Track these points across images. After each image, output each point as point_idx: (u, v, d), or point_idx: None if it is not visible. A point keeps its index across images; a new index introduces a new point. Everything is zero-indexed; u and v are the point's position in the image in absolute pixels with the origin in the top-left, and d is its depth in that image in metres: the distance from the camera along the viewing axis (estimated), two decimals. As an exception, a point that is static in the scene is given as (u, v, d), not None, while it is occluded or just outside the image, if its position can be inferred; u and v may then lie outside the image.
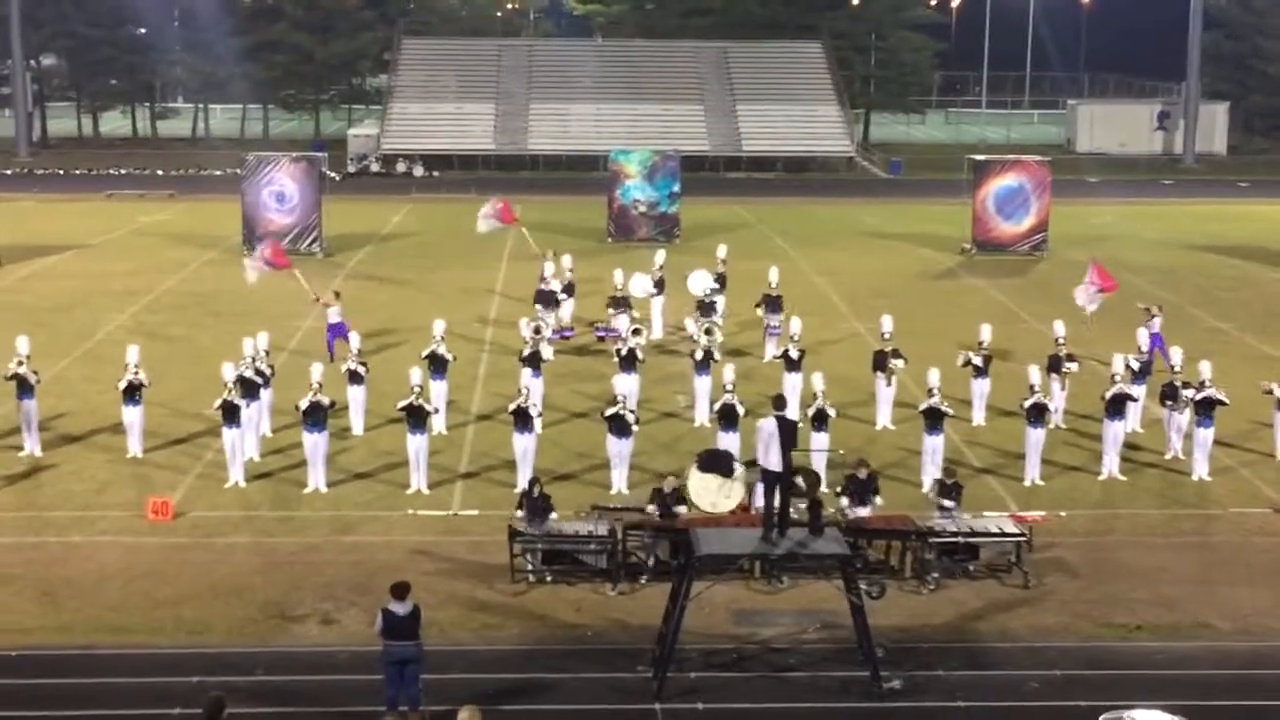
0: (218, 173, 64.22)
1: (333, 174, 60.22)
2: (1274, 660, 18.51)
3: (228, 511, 23.32)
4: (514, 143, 72.04)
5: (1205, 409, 25.25)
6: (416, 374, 25.00)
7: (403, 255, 46.70)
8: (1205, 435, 25.35)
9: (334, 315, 32.48)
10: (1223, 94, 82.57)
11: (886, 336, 28.35)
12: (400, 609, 16.57)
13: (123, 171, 67.15)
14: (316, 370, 24.97)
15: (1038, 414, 24.89)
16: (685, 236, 48.55)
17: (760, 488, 19.02)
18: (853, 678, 17.56)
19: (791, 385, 27.64)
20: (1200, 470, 25.34)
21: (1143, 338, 28.98)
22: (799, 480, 19.95)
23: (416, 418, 24.10)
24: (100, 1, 76.77)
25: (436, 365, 27.41)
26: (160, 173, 66.86)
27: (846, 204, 60.21)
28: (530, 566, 20.58)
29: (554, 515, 21.16)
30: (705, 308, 32.86)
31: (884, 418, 28.03)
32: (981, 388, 28.23)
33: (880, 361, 28.03)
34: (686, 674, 17.60)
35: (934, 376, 24.72)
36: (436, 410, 25.72)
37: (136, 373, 25.74)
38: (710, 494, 22.69)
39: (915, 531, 20.83)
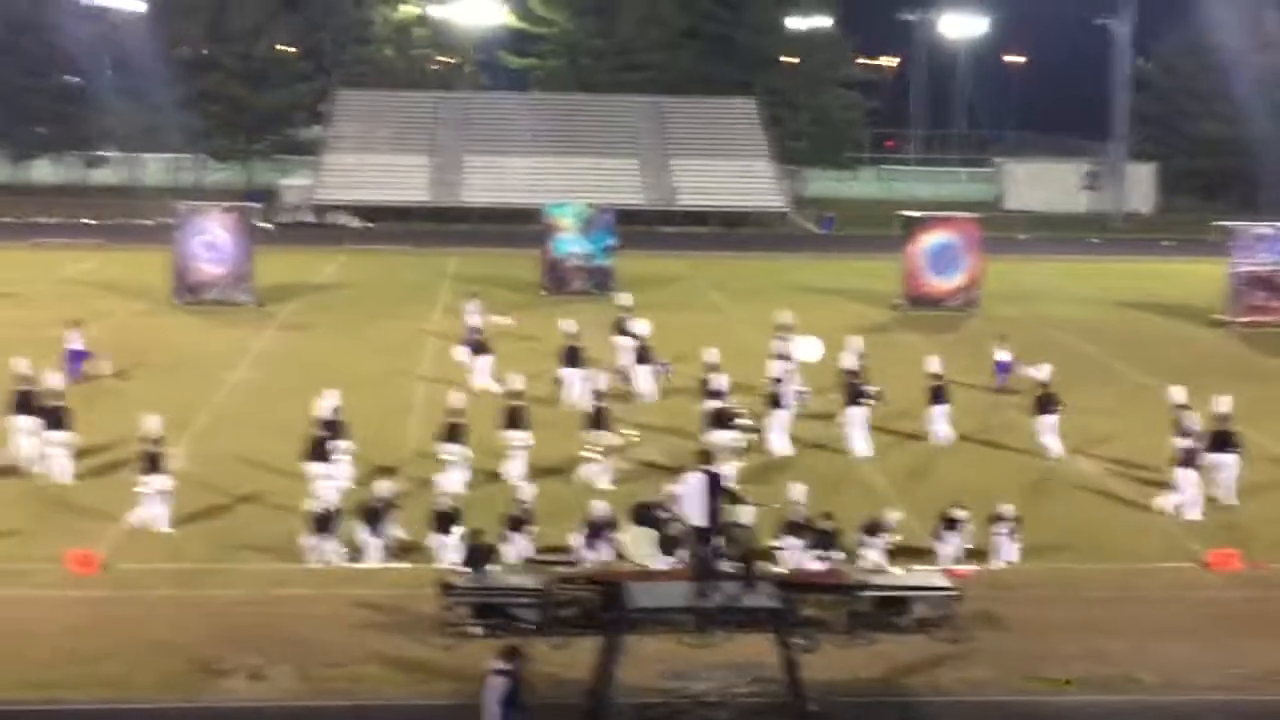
0: (148, 222, 63.60)
1: (266, 224, 59.91)
2: (1200, 714, 18.67)
3: (154, 564, 22.97)
4: (449, 195, 72.08)
5: (1045, 406, 29.72)
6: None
7: (336, 306, 46.48)
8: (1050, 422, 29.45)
9: (75, 342, 34.11)
10: (1149, 154, 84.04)
11: (854, 369, 29.30)
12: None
13: (51, 220, 66.39)
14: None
15: None
16: (619, 290, 48.56)
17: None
18: (785, 732, 17.54)
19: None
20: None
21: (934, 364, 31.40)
22: (729, 534, 19.94)
23: None
24: (32, 50, 76.20)
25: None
26: (90, 222, 66.25)
27: (780, 259, 60.61)
28: (462, 620, 20.44)
29: (494, 567, 21.13)
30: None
31: (861, 447, 28.89)
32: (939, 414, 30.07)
33: (854, 395, 29.25)
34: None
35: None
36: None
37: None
38: (644, 547, 22.68)
39: (848, 585, 20.86)
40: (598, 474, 27.13)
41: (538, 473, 26.99)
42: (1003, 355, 36.21)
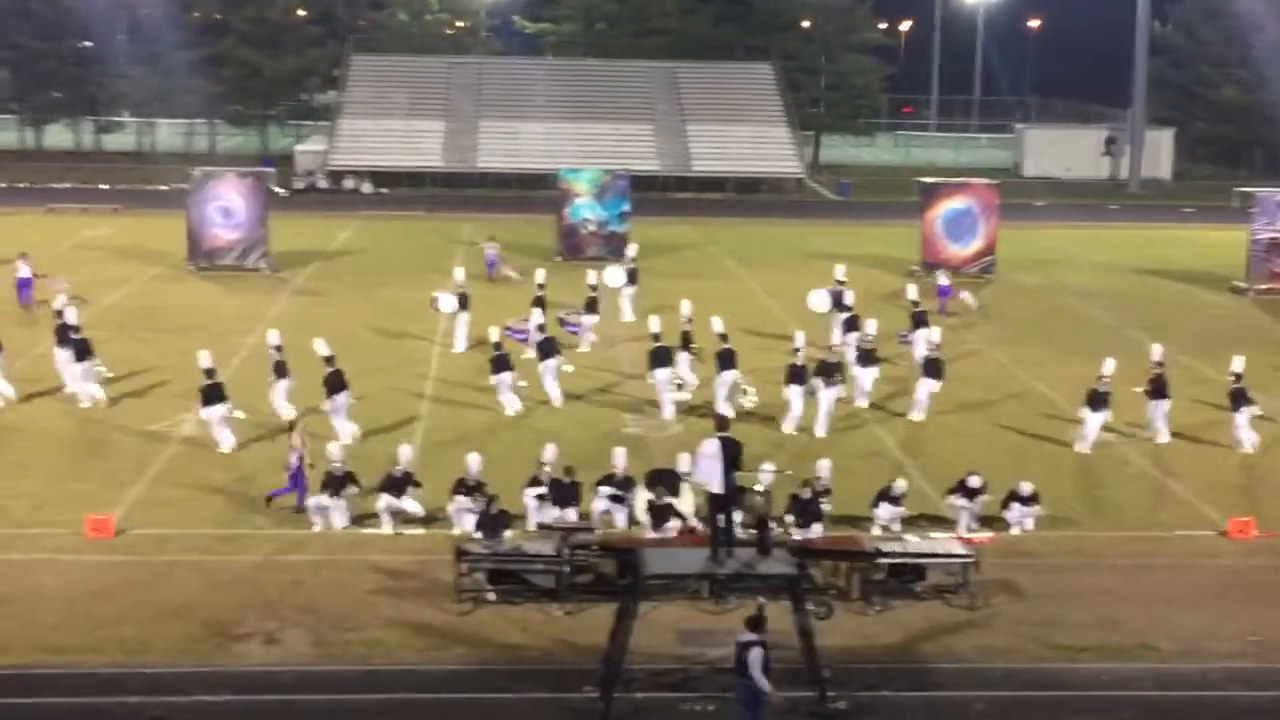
0: (163, 188, 63.68)
1: (280, 190, 59.84)
2: (1216, 682, 18.60)
3: (169, 529, 22.99)
4: (463, 160, 71.92)
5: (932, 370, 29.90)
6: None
7: (350, 272, 46.43)
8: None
9: (24, 270, 37.97)
10: (1168, 120, 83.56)
11: (799, 349, 29.53)
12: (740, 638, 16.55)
13: (65, 185, 66.39)
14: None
15: None
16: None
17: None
18: (800, 698, 17.47)
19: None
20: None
21: (913, 292, 34.74)
22: (746, 501, 19.84)
23: None
24: (45, 14, 76.08)
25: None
26: (104, 187, 66.21)
27: (796, 225, 60.38)
28: (477, 586, 20.43)
29: (508, 533, 21.12)
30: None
31: (820, 429, 28.76)
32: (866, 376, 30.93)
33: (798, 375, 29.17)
34: (633, 694, 17.50)
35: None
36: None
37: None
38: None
39: (863, 552, 20.81)
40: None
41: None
42: (944, 281, 40.33)
